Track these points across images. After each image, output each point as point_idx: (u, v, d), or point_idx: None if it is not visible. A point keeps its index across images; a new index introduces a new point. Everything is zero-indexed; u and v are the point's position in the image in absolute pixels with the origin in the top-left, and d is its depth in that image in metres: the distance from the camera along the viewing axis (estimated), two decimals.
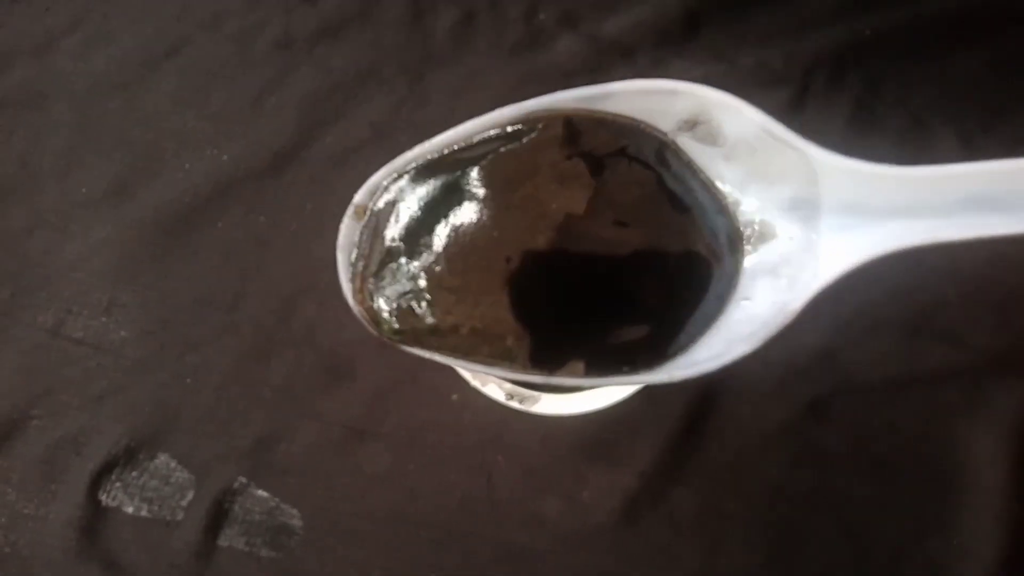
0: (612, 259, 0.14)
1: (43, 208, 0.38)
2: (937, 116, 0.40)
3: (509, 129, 0.15)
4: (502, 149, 0.15)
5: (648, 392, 0.29)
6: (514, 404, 0.29)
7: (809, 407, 0.36)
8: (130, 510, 0.35)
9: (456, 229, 0.14)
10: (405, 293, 0.15)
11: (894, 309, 0.37)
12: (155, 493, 0.35)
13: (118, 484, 0.35)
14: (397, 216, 0.15)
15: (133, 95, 0.40)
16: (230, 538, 0.35)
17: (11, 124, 0.40)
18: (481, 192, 0.14)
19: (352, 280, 0.15)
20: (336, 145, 0.39)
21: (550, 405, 0.29)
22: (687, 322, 0.14)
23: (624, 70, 0.40)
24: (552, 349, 0.14)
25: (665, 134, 0.14)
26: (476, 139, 0.15)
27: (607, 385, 0.15)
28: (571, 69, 0.41)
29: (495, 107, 0.40)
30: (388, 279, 0.15)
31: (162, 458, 0.35)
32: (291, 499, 0.35)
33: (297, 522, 0.35)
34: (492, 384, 0.29)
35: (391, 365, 0.36)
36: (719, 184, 0.14)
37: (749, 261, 0.14)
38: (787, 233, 0.14)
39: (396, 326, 0.15)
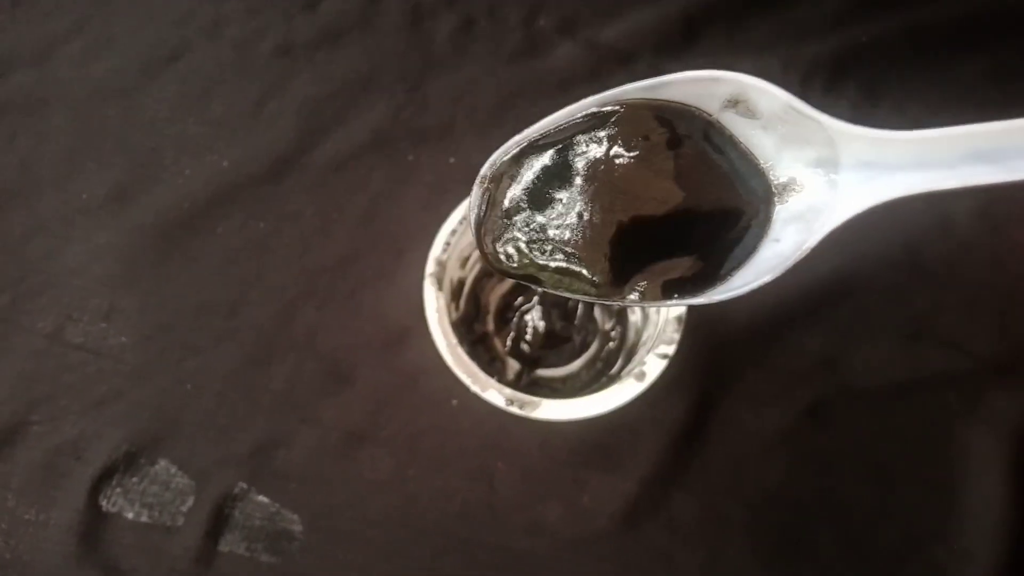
0: (668, 211, 0.19)
1: (43, 214, 0.39)
2: (934, 123, 0.40)
3: (589, 113, 0.20)
4: (583, 131, 0.20)
5: (649, 397, 0.29)
6: (514, 410, 0.29)
7: (809, 413, 0.36)
8: (130, 515, 0.35)
9: (551, 193, 0.20)
10: (517, 241, 0.20)
11: (893, 315, 0.37)
12: (155, 498, 0.35)
13: (118, 490, 0.35)
14: (510, 183, 0.20)
15: (133, 101, 0.40)
16: (231, 543, 0.35)
17: (11, 130, 0.40)
18: (571, 165, 0.20)
19: (476, 232, 0.21)
20: (336, 151, 0.39)
21: (550, 411, 0.29)
22: (726, 260, 0.18)
23: (622, 76, 0.41)
24: (621, 281, 0.19)
25: (711, 115, 0.19)
26: (565, 123, 0.20)
27: (660, 306, 0.22)
28: (570, 75, 0.41)
29: (495, 112, 0.40)
30: (503, 231, 0.20)
31: (162, 463, 0.35)
32: (291, 504, 0.35)
33: (297, 527, 0.35)
34: (492, 390, 0.29)
35: (391, 370, 0.36)
36: (756, 151, 0.18)
37: (782, 210, 0.18)
38: (812, 187, 0.17)
39: (512, 266, 0.20)
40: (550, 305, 0.37)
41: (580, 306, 0.37)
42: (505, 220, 0.20)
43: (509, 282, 0.38)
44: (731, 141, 0.19)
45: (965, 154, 0.15)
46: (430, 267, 0.30)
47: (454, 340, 0.29)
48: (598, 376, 0.36)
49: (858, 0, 0.42)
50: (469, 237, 0.33)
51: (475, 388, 0.29)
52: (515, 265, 0.20)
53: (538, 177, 0.20)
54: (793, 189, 0.18)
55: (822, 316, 0.37)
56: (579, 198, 0.19)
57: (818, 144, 0.17)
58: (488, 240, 0.20)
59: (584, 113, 0.20)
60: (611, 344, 0.37)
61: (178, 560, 0.34)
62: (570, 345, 0.37)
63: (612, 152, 0.19)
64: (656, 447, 0.35)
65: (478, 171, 0.21)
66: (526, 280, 0.20)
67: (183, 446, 0.36)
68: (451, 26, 0.41)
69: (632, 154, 0.19)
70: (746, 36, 0.41)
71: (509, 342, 0.37)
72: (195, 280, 0.38)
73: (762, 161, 0.18)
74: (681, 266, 0.18)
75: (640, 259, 0.19)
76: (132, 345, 0.37)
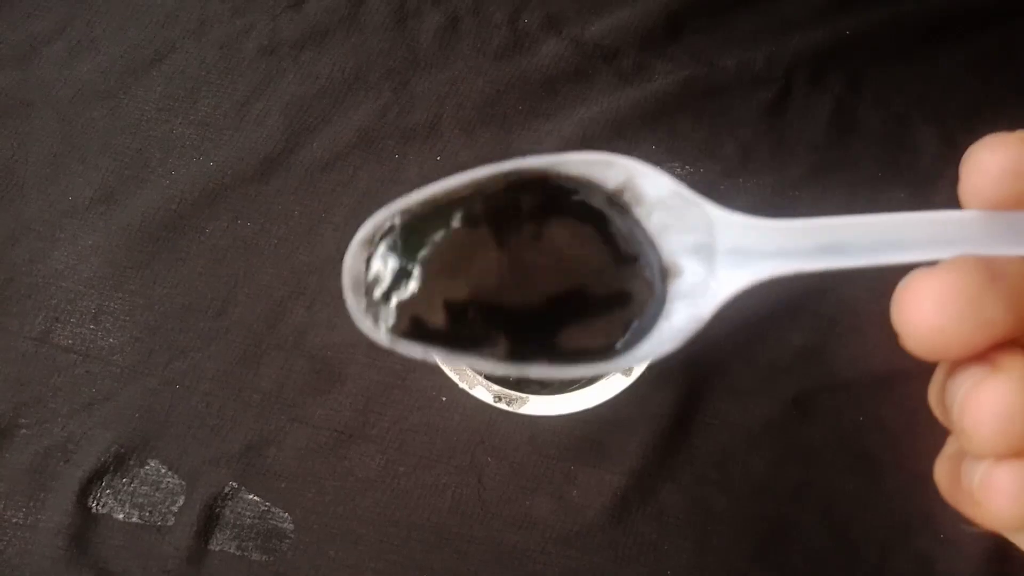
0: (569, 287, 0.18)
1: (29, 216, 0.38)
2: (918, 116, 0.41)
3: (482, 177, 0.19)
4: (475, 195, 0.19)
5: (636, 391, 0.29)
6: (502, 406, 0.29)
7: (794, 404, 0.37)
8: (120, 517, 0.35)
9: (445, 258, 0.18)
10: (404, 307, 0.18)
11: (876, 306, 0.38)
12: (145, 499, 0.35)
13: (108, 491, 0.35)
14: (397, 248, 0.18)
15: (118, 102, 0.40)
16: (221, 543, 0.35)
17: None
18: (465, 229, 0.18)
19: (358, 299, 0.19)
20: (322, 150, 0.39)
21: (537, 406, 0.29)
22: (627, 332, 0.18)
23: (608, 74, 0.41)
24: (523, 350, 0.18)
25: (608, 188, 0.19)
26: (455, 190, 0.19)
27: (561, 376, 0.19)
28: (556, 73, 0.41)
29: (482, 110, 0.40)
30: (389, 297, 0.18)
31: (152, 464, 0.35)
32: (282, 503, 0.35)
33: (288, 526, 0.35)
34: (479, 387, 0.29)
35: (380, 368, 0.37)
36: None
37: (668, 290, 0.19)
38: (692, 270, 0.18)
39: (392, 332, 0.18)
40: None
41: None
42: (393, 286, 0.18)
43: None
44: (631, 217, 0.19)
45: (818, 244, 0.17)
46: None
47: None
48: None
49: None
50: None
51: (463, 385, 0.29)
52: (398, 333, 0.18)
53: (431, 241, 0.18)
54: (674, 272, 0.18)
55: (805, 310, 0.37)
56: (473, 266, 0.18)
57: (697, 231, 0.18)
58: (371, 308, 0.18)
59: (484, 177, 0.19)
60: None
61: (169, 560, 0.34)
62: None
63: (509, 217, 0.18)
64: (643, 440, 0.36)
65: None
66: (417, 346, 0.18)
67: (173, 446, 0.36)
68: (436, 24, 0.41)
69: (532, 225, 0.18)
70: (730, 30, 0.42)
71: None
72: (183, 281, 0.38)
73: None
74: (581, 336, 0.18)
75: (540, 329, 0.18)
76: (121, 346, 0.37)
